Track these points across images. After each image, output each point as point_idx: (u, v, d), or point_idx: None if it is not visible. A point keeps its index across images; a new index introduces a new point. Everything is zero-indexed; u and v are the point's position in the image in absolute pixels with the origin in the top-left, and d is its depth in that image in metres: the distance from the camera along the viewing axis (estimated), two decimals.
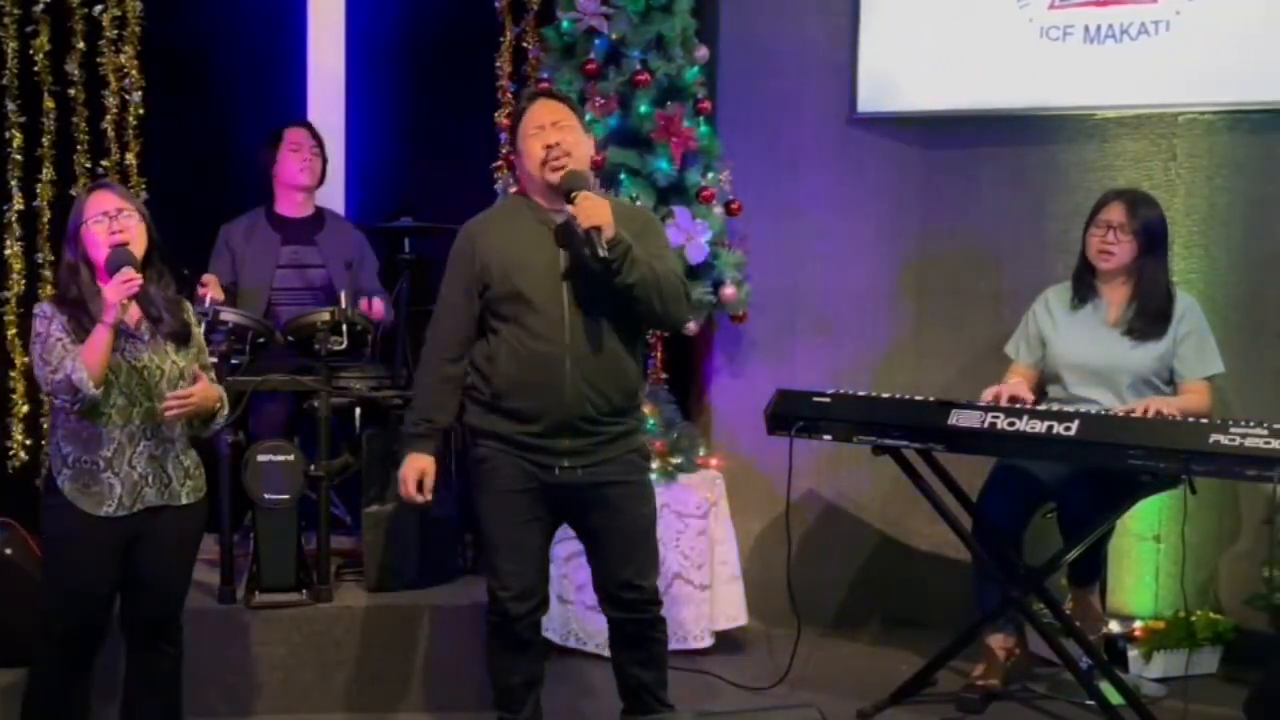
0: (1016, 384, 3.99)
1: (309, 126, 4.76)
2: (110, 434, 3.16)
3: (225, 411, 3.37)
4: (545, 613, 3.49)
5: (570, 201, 3.25)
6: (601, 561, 3.46)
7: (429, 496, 3.41)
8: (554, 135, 3.34)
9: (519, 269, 3.32)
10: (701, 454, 4.64)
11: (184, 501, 3.27)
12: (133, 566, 3.24)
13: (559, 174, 3.32)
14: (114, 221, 3.16)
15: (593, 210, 3.22)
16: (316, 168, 4.71)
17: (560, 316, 3.29)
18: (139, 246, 3.19)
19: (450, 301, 3.42)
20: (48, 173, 5.02)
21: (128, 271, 3.07)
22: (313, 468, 3.99)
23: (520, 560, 3.38)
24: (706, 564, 4.47)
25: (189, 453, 3.33)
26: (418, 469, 3.39)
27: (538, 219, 3.39)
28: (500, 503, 3.37)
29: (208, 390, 3.25)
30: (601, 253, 3.19)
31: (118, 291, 3.05)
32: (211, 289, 4.31)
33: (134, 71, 5.05)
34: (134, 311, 3.17)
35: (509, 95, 5.17)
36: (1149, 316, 4.01)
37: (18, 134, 5.01)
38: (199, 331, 3.39)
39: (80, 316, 3.14)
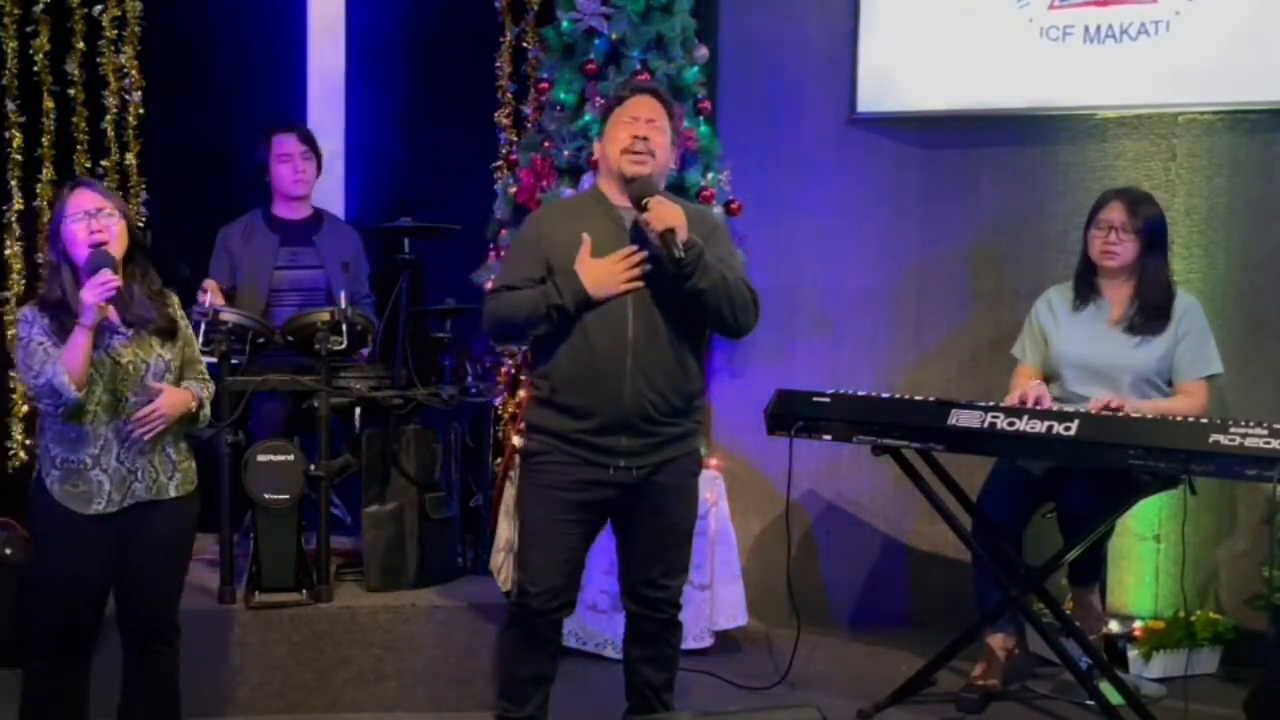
0: (1038, 385, 3.95)
1: (298, 130, 4.72)
2: (96, 431, 3.16)
3: (207, 410, 3.34)
4: (570, 614, 3.47)
5: (643, 208, 3.23)
6: (633, 556, 3.45)
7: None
8: (645, 130, 3.33)
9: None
10: (701, 454, 4.64)
11: (172, 495, 3.26)
12: (126, 565, 3.23)
13: (635, 167, 3.29)
14: (93, 220, 3.15)
15: (667, 213, 3.20)
16: (309, 174, 4.69)
17: (624, 315, 3.26)
18: (119, 245, 3.18)
19: (514, 284, 3.33)
20: (48, 173, 5.03)
21: (105, 274, 3.06)
22: (313, 468, 3.98)
23: (553, 559, 3.36)
24: (706, 564, 4.46)
25: (179, 445, 3.31)
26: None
27: (608, 215, 3.36)
28: (544, 499, 3.36)
29: (173, 398, 3.22)
30: (677, 253, 3.16)
31: (95, 294, 3.04)
32: (212, 294, 4.27)
33: (134, 71, 5.06)
34: (112, 311, 3.14)
35: (509, 95, 5.19)
36: (1150, 311, 4.01)
37: (18, 134, 5.02)
38: (185, 324, 3.37)
39: (63, 317, 3.13)
